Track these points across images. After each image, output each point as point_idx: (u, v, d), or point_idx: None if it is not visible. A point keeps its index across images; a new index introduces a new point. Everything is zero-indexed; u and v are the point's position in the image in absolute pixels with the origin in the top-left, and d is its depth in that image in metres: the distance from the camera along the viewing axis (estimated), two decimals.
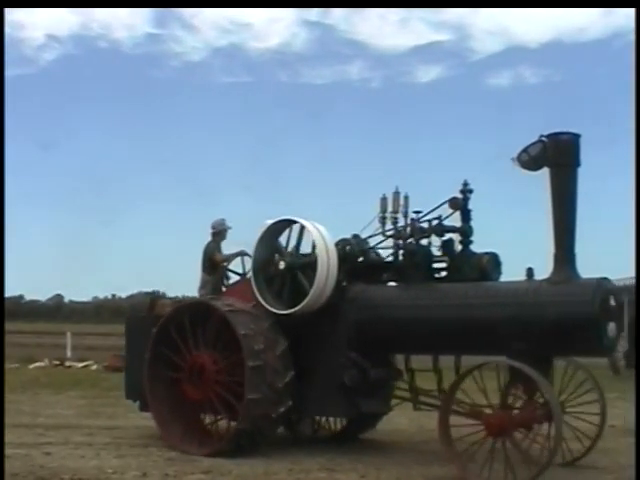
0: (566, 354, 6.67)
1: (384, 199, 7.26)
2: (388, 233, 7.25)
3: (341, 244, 7.25)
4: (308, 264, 7.03)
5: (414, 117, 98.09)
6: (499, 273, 6.97)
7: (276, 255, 7.31)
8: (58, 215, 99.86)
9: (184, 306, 7.48)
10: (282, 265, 7.19)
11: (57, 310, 73.33)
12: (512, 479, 5.63)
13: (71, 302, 77.99)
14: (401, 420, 8.55)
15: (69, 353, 20.95)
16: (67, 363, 18.30)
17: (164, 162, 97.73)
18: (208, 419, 7.48)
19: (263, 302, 7.13)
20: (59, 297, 79.35)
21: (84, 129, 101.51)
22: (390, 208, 7.24)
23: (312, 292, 6.90)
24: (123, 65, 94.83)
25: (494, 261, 6.95)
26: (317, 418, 8.05)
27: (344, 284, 7.19)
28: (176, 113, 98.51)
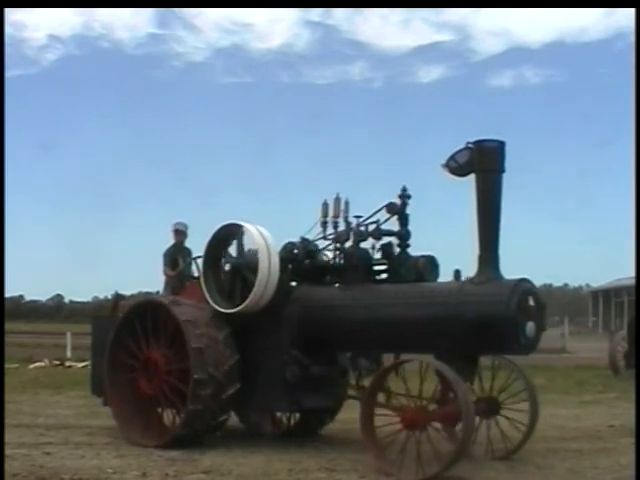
0: (487, 352, 6.87)
1: (325, 204, 7.66)
2: (329, 237, 7.61)
3: (288, 247, 7.61)
4: (251, 265, 7.31)
5: (416, 117, 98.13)
6: (436, 275, 7.26)
7: (223, 257, 7.68)
8: (58, 215, 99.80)
9: (135, 305, 7.87)
10: (227, 266, 7.59)
11: (57, 310, 73.34)
12: (421, 472, 5.95)
13: (71, 302, 77.99)
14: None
15: (69, 353, 20.94)
16: (67, 363, 18.27)
17: (165, 162, 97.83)
18: (168, 414, 7.70)
19: (210, 301, 7.47)
20: (59, 297, 79.43)
21: (85, 129, 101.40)
22: (331, 213, 7.62)
23: (253, 292, 7.22)
24: (125, 65, 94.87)
25: (431, 263, 7.26)
26: (278, 415, 8.35)
27: (290, 285, 7.55)
28: (178, 113, 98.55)
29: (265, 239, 7.28)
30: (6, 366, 14.74)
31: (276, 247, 7.42)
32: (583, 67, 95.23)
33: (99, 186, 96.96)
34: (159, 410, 7.63)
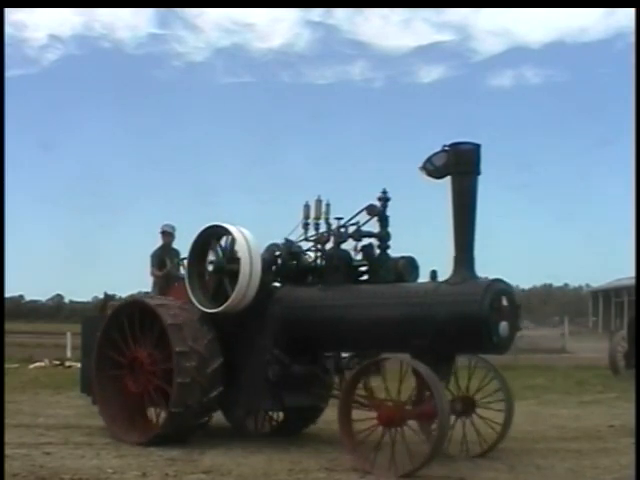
0: (461, 352, 6.98)
1: (307, 206, 7.78)
2: (311, 238, 7.76)
3: (271, 248, 7.77)
4: (234, 266, 7.44)
5: (416, 117, 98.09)
6: (416, 276, 7.39)
7: (207, 258, 7.84)
8: (59, 215, 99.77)
9: (123, 305, 8.03)
10: (211, 268, 7.76)
11: (57, 310, 73.26)
12: (394, 470, 6.05)
13: (71, 302, 77.93)
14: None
15: (69, 353, 20.93)
16: (67, 363, 18.27)
17: (165, 162, 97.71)
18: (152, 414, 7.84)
19: (195, 301, 7.62)
20: (59, 297, 79.35)
21: (85, 129, 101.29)
22: (313, 214, 7.75)
23: (235, 293, 7.36)
24: (125, 65, 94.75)
25: (410, 264, 7.40)
26: (264, 414, 8.45)
27: (273, 285, 7.71)
28: (178, 113, 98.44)
29: (247, 241, 7.41)
30: (6, 366, 14.75)
31: (259, 249, 7.54)
32: (583, 67, 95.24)
33: (99, 186, 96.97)
34: (145, 409, 7.76)
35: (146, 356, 7.49)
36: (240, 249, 7.42)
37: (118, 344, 7.69)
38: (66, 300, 78.91)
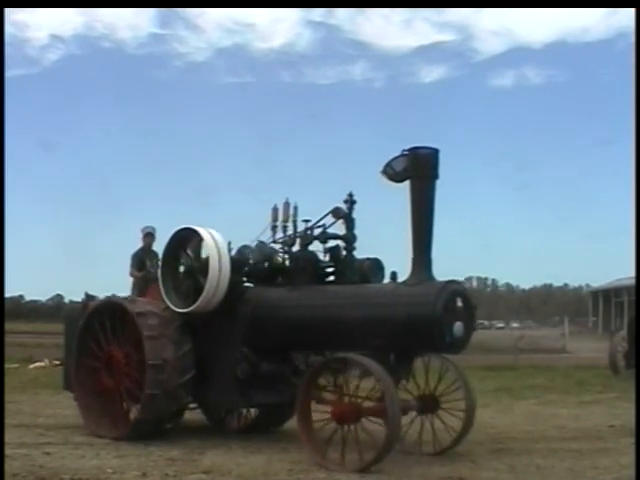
0: (417, 351, 7.11)
1: (275, 209, 8.00)
2: (279, 240, 7.97)
3: (242, 250, 7.98)
4: (204, 267, 7.63)
5: (417, 117, 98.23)
6: (381, 277, 7.59)
7: (179, 260, 8.06)
8: (59, 215, 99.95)
9: (101, 306, 8.19)
10: (182, 269, 7.98)
11: (57, 310, 73.23)
12: (344, 465, 6.27)
13: (71, 302, 77.83)
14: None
15: None
16: None
17: (166, 162, 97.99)
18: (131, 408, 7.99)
19: (168, 302, 7.83)
20: (59, 297, 79.31)
21: (86, 129, 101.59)
22: (281, 217, 7.96)
23: (204, 293, 7.57)
24: (127, 65, 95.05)
25: (376, 266, 7.62)
26: (244, 411, 8.68)
27: (244, 286, 7.91)
28: (179, 113, 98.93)
29: (216, 243, 7.61)
30: (6, 366, 14.75)
31: (229, 251, 7.76)
32: (584, 67, 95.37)
33: (99, 186, 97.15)
34: (124, 405, 7.91)
35: (120, 352, 7.77)
36: (209, 250, 7.62)
37: (94, 343, 7.96)
38: (66, 300, 78.95)
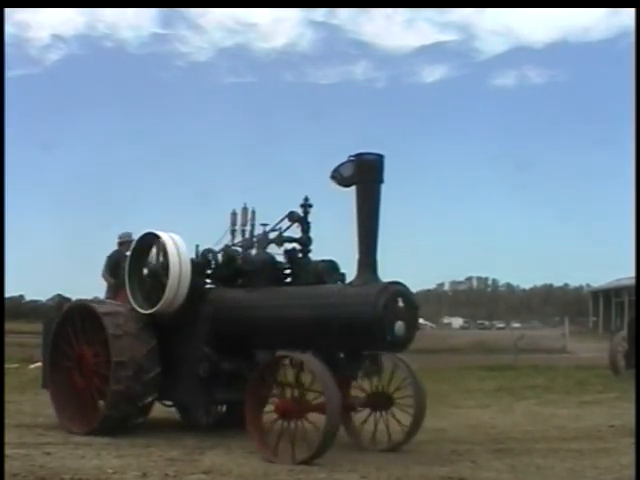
0: (361, 350, 7.29)
1: (234, 214, 8.36)
2: (238, 244, 8.31)
3: (205, 253, 8.31)
4: (166, 270, 7.97)
5: (419, 117, 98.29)
6: (337, 278, 7.81)
7: (143, 263, 8.42)
8: (59, 215, 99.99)
9: (73, 308, 8.59)
10: (145, 272, 8.35)
11: (57, 310, 73.11)
12: (294, 458, 6.50)
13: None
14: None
15: None
16: None
17: (166, 162, 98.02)
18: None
19: (133, 303, 8.22)
20: (59, 297, 79.27)
21: (87, 129, 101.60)
22: (239, 221, 8.34)
23: (165, 294, 7.93)
24: (128, 65, 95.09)
25: (331, 268, 7.87)
26: (213, 408, 8.93)
27: (206, 288, 8.23)
28: (181, 113, 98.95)
29: (177, 247, 7.97)
30: (6, 366, 14.73)
31: (189, 253, 8.11)
32: (586, 67, 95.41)
33: (100, 186, 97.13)
34: (95, 402, 8.14)
35: (89, 352, 8.11)
36: (170, 254, 7.94)
37: (66, 343, 8.30)
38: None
